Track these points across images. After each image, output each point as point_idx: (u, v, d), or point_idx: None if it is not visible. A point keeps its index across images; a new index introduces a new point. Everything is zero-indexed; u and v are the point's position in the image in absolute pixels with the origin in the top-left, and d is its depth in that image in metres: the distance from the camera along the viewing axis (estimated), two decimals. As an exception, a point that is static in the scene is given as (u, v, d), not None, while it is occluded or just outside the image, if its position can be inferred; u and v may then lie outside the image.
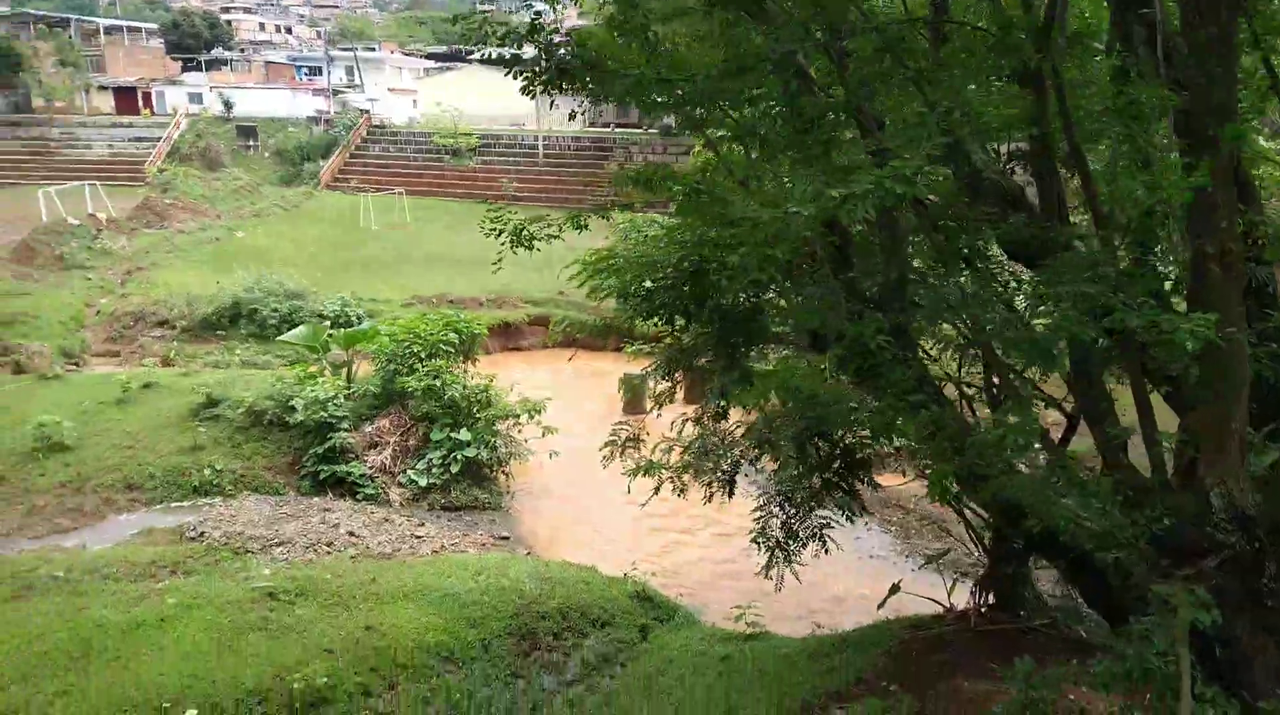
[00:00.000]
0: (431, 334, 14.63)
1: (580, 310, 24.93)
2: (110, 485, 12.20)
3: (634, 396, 18.87)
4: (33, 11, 75.64)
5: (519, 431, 14.61)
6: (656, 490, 8.06)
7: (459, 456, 13.59)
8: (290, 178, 50.51)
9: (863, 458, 7.35)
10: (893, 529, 12.85)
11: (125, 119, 58.90)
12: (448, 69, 72.37)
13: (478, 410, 14.18)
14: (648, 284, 7.50)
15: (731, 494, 8.22)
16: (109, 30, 73.66)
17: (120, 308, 22.93)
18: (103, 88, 64.14)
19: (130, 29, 77.49)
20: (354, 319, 21.45)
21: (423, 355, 14.52)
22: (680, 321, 7.52)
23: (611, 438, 9.58)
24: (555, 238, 8.06)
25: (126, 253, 30.64)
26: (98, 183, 38.67)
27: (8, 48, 58.12)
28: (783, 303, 7.49)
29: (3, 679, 7.57)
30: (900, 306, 5.95)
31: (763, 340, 7.69)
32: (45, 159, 53.49)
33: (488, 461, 13.98)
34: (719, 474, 7.78)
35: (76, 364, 19.39)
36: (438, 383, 14.00)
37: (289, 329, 21.31)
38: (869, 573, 11.52)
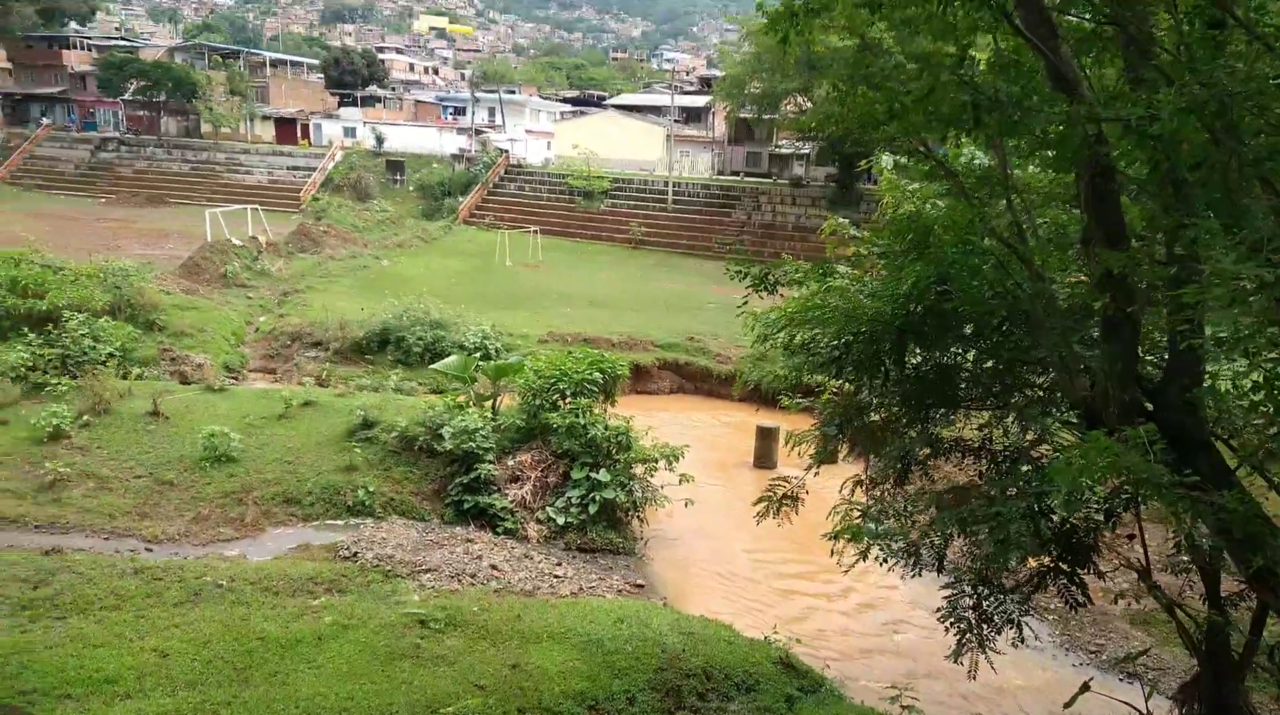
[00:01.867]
0: (577, 372, 14.77)
1: (708, 357, 24.87)
2: (270, 498, 12.73)
3: (764, 450, 18.58)
4: (207, 44, 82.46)
5: (654, 476, 14.54)
6: (863, 556, 7.59)
7: (597, 497, 13.58)
8: (431, 211, 52.75)
9: (1089, 541, 6.84)
10: (1049, 616, 12.02)
11: (285, 148, 63.01)
12: (583, 113, 74.50)
13: (617, 452, 14.18)
14: (831, 340, 7.33)
15: (928, 570, 7.77)
16: (275, 64, 79.36)
17: (278, 327, 24.23)
18: (266, 117, 68.99)
19: (294, 64, 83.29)
20: (493, 351, 21.97)
21: (567, 392, 14.68)
22: (868, 380, 7.28)
23: (767, 495, 9.32)
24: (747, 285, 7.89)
25: (283, 274, 32.50)
26: (259, 207, 41.33)
27: (185, 76, 63.17)
28: (984, 364, 7.13)
29: (174, 682, 7.86)
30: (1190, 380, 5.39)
31: (955, 404, 7.35)
32: (211, 181, 57.72)
33: (624, 505, 13.91)
34: (905, 546, 7.38)
35: (236, 378, 20.51)
36: (581, 421, 14.08)
37: (432, 357, 22.06)
38: (1025, 664, 10.77)
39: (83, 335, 17.09)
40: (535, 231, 42.98)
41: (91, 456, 13.22)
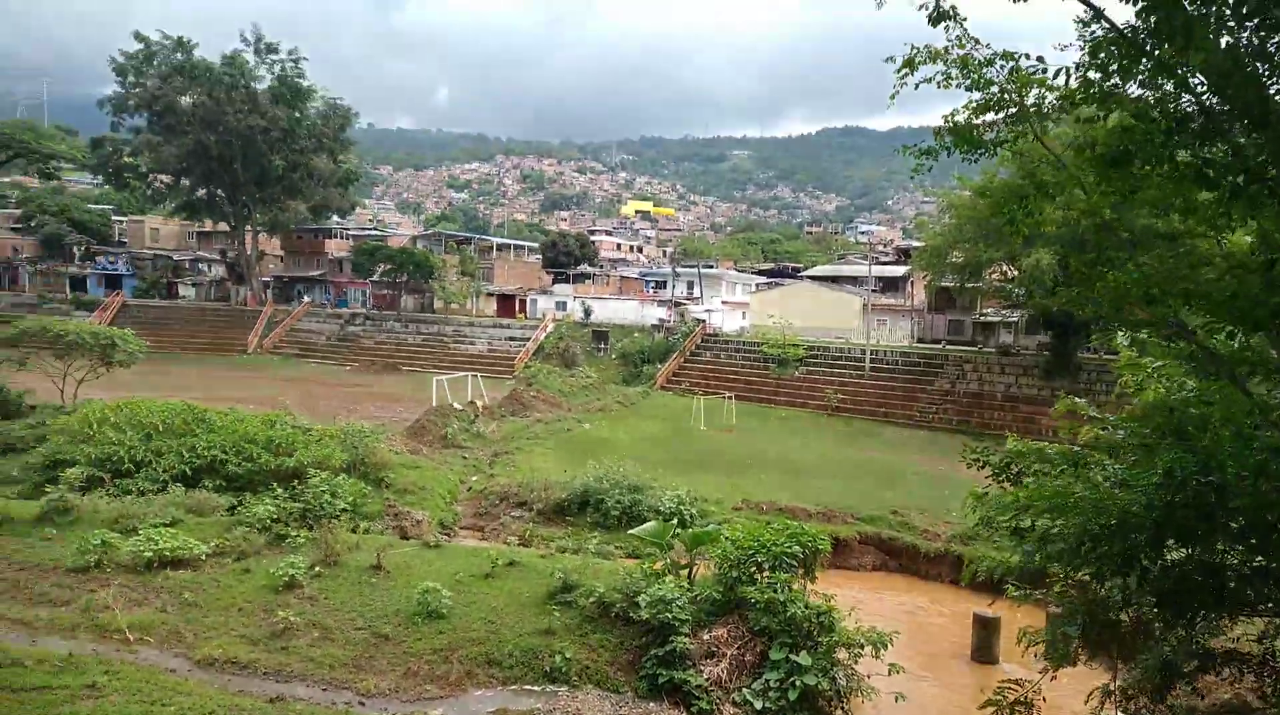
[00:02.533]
0: (775, 544, 14.34)
1: (914, 533, 23.47)
2: (474, 658, 12.98)
3: (983, 643, 16.93)
4: (444, 232, 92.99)
5: (858, 663, 13.54)
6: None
7: (797, 683, 12.77)
8: (631, 377, 54.86)
9: None
10: None
11: (504, 321, 68.61)
12: (778, 284, 76.28)
13: (818, 633, 13.40)
14: (1072, 530, 6.71)
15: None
16: (500, 247, 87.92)
17: (488, 487, 25.56)
18: (489, 294, 75.68)
19: (516, 247, 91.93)
20: (688, 517, 21.92)
21: (765, 565, 14.23)
22: (1116, 576, 6.55)
23: (995, 698, 8.40)
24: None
25: (495, 436, 34.55)
26: (478, 374, 44.73)
27: (424, 260, 71.08)
28: (1261, 564, 6.25)
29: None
30: None
31: (1224, 608, 6.42)
32: (439, 351, 63.40)
33: (827, 693, 12.97)
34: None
35: (449, 534, 21.61)
36: (779, 597, 13.52)
37: (629, 520, 22.32)
38: None
39: (323, 491, 18.76)
40: (730, 397, 43.44)
41: (319, 606, 14.15)
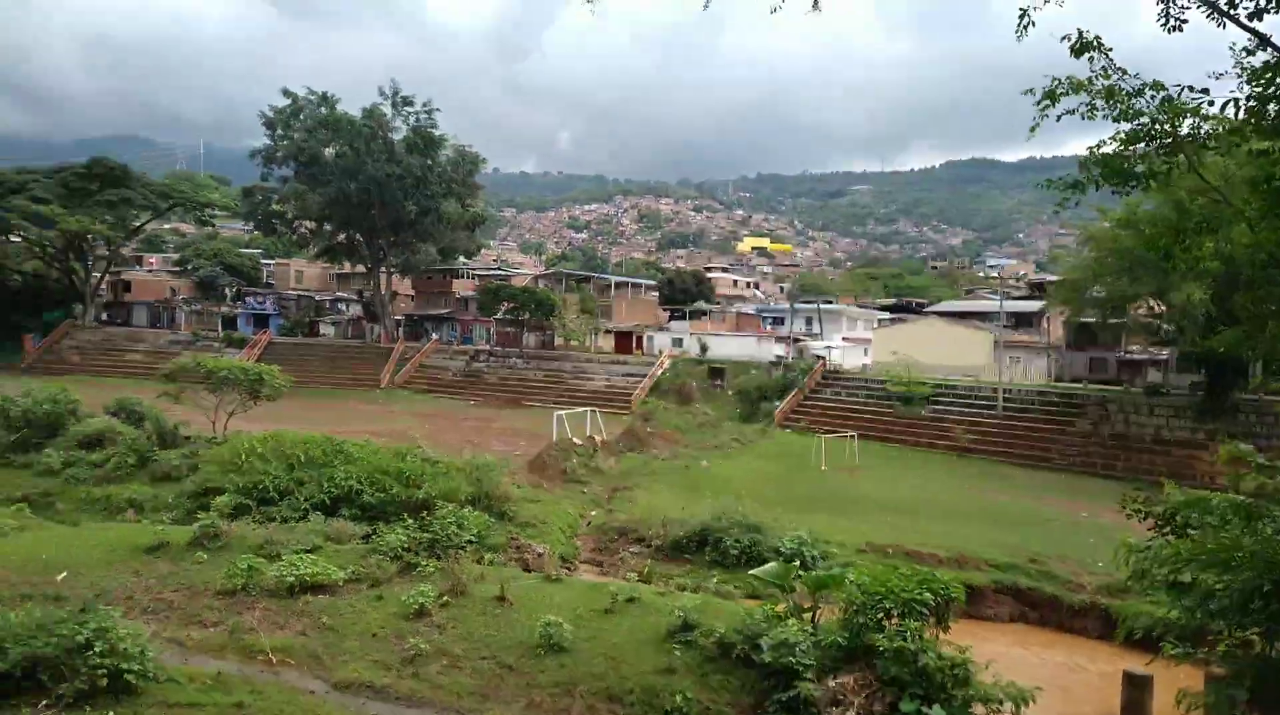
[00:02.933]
0: (904, 590, 13.75)
1: (1056, 583, 22.10)
2: (594, 693, 12.96)
3: (1135, 704, 15.66)
4: (565, 271, 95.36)
5: (997, 719, 12.75)
6: None
7: (930, 736, 12.13)
8: (749, 415, 54.37)
9: None
10: None
11: (621, 357, 69.46)
12: (901, 320, 74.31)
13: (952, 686, 12.71)
14: (1241, 586, 6.14)
15: None
16: (619, 286, 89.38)
17: (607, 522, 25.74)
18: (607, 331, 76.91)
19: (634, 284, 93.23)
20: (809, 559, 21.38)
21: (894, 612, 13.65)
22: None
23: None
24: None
25: (613, 472, 34.84)
26: (597, 409, 45.30)
27: (546, 298, 72.96)
28: None
29: None
30: None
31: None
32: (559, 386, 64.67)
33: (962, 749, 12.26)
34: None
35: (569, 568, 21.80)
36: (910, 646, 12.92)
37: (748, 560, 21.97)
38: None
39: (450, 522, 19.32)
40: (853, 436, 42.38)
41: (447, 635, 14.48)
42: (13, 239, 75.62)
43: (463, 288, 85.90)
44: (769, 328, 79.82)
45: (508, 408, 60.54)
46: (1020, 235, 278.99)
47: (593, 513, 27.95)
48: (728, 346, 67.19)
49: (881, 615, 13.76)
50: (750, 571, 17.58)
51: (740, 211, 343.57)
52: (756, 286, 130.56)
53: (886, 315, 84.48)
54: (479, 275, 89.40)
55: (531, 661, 13.70)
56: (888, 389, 51.50)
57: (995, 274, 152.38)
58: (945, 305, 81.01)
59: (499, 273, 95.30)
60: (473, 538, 20.09)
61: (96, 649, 10.95)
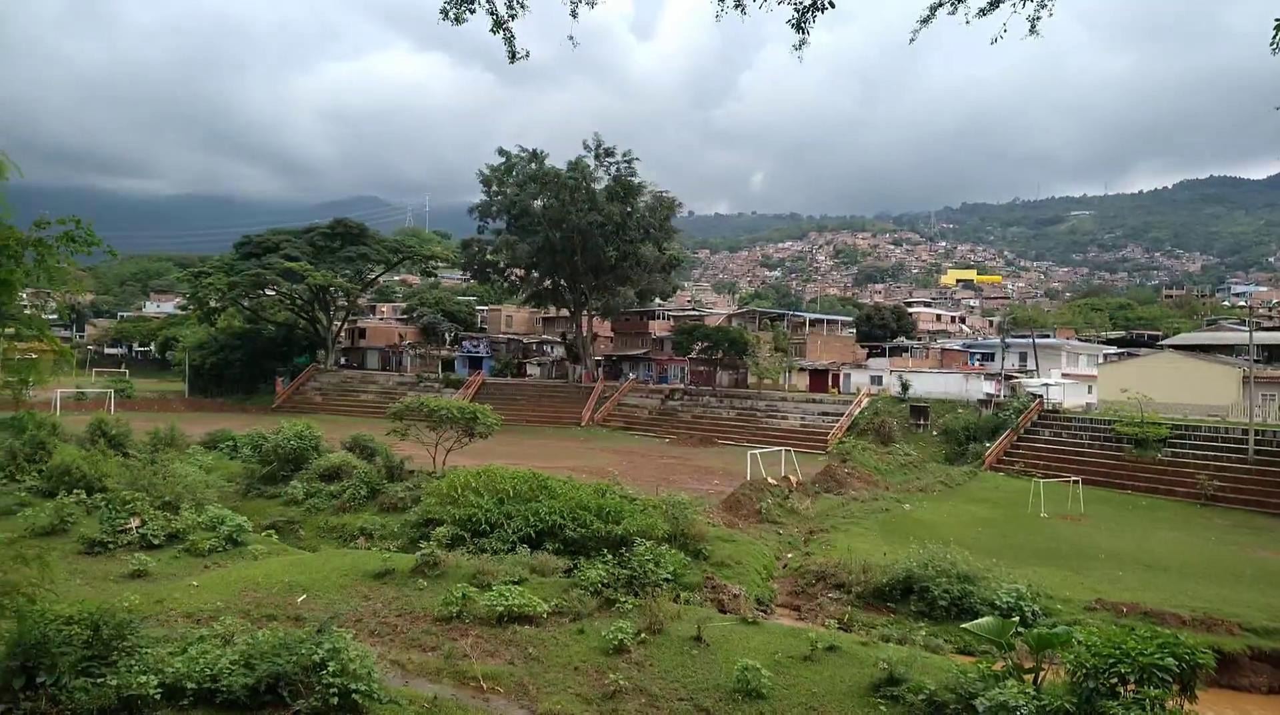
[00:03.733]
0: (1143, 654, 12.36)
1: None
2: (794, 744, 12.59)
3: None
4: (757, 308, 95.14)
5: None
6: None
7: (1179, 824, 10.76)
8: (954, 456, 51.47)
9: None
10: None
11: (816, 396, 68.02)
12: (1131, 355, 67.86)
13: (1205, 768, 11.24)
14: None
15: None
16: (813, 323, 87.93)
17: (804, 565, 25.07)
18: (801, 369, 75.66)
19: (829, 321, 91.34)
20: (1028, 614, 19.77)
21: (1129, 677, 12.29)
22: None
23: None
24: None
25: (809, 513, 33.99)
26: (791, 449, 44.52)
27: (739, 337, 73.05)
28: None
29: None
30: None
31: None
32: (751, 425, 64.24)
33: None
34: None
35: (765, 612, 21.40)
36: (1152, 718, 11.57)
37: (958, 612, 20.62)
38: None
39: (648, 559, 19.59)
40: (1076, 481, 38.95)
41: (645, 673, 14.61)
42: (267, 293, 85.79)
43: (659, 328, 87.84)
44: (977, 364, 75.45)
45: (701, 446, 60.80)
46: (1271, 258, 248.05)
47: (789, 555, 27.34)
48: (931, 384, 64.08)
49: (1115, 680, 12.46)
50: (963, 625, 16.48)
51: (943, 243, 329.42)
52: (962, 321, 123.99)
53: (1113, 349, 77.48)
54: (674, 316, 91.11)
55: (729, 706, 13.53)
56: (1116, 430, 46.99)
57: (1243, 303, 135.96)
58: (1184, 337, 73.16)
59: (693, 313, 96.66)
60: (669, 576, 20.24)
61: (330, 668, 11.89)
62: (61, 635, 11.73)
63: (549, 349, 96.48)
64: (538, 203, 74.49)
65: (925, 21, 7.77)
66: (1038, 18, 7.31)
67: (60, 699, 11.29)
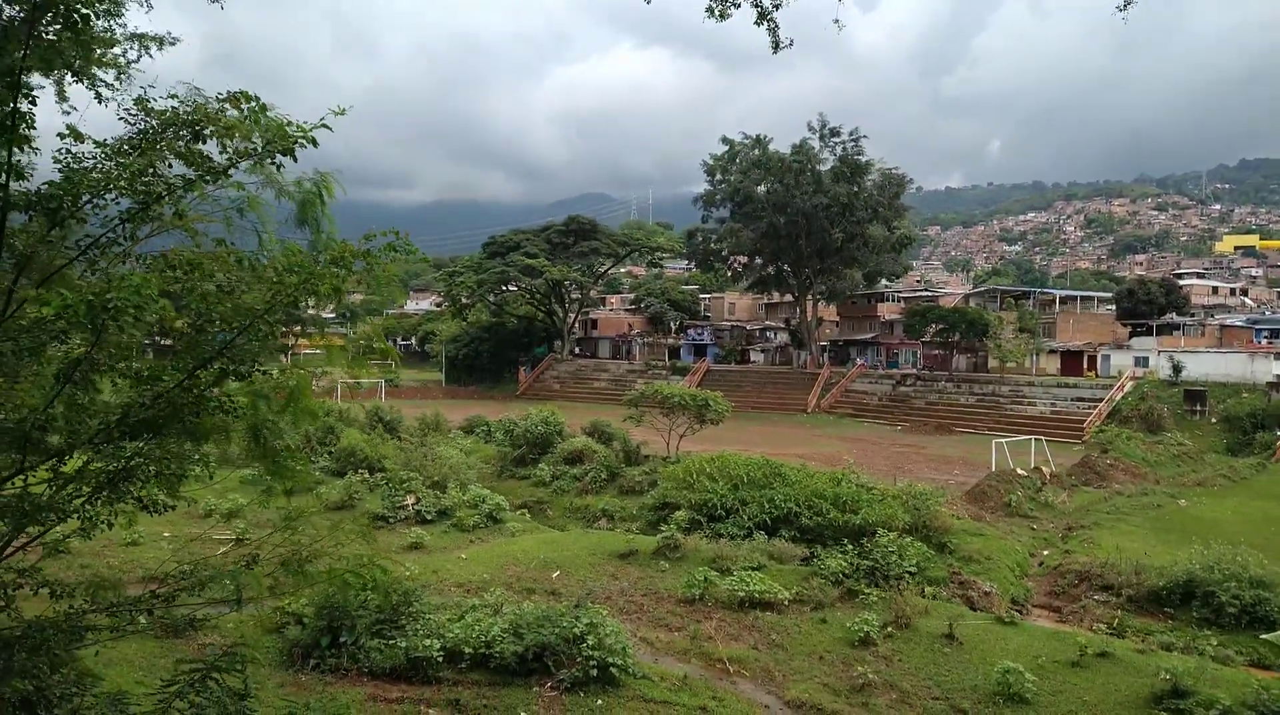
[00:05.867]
0: None
1: None
2: (1066, 754, 11.77)
3: None
4: (998, 287, 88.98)
5: None
6: None
7: None
8: (1238, 446, 45.68)
9: None
10: None
11: (1069, 380, 62.71)
12: None
13: None
14: None
15: None
16: (1064, 301, 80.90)
17: (1064, 563, 23.25)
18: (1051, 351, 70.03)
19: (1084, 298, 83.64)
20: (1343, 630, 17.13)
21: None
22: None
23: None
24: None
25: (1066, 508, 31.46)
26: (1041, 437, 41.37)
27: (978, 318, 68.70)
28: None
29: None
30: None
31: None
32: (994, 412, 60.35)
33: None
34: None
35: (1021, 612, 20.08)
36: None
37: (1250, 620, 18.33)
38: None
39: (891, 551, 19.03)
40: (1403, 479, 33.15)
41: (894, 667, 14.25)
42: (510, 288, 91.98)
43: (887, 311, 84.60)
44: (1264, 342, 66.08)
45: (937, 434, 58.00)
46: None
47: (1045, 552, 25.46)
48: (1208, 365, 56.94)
49: None
50: (1262, 636, 14.62)
51: (1217, 206, 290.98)
52: (1244, 292, 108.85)
53: None
54: (904, 298, 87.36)
55: (989, 709, 12.89)
56: None
57: None
58: None
59: (925, 293, 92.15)
60: (912, 569, 19.52)
61: (589, 642, 12.65)
62: (359, 600, 13.33)
63: (772, 335, 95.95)
64: (761, 188, 74.12)
65: None
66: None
67: (359, 657, 12.85)
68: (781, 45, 8.23)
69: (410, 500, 24.94)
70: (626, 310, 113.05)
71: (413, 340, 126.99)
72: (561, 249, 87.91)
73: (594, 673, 12.42)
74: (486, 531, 23.55)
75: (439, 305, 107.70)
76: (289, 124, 5.37)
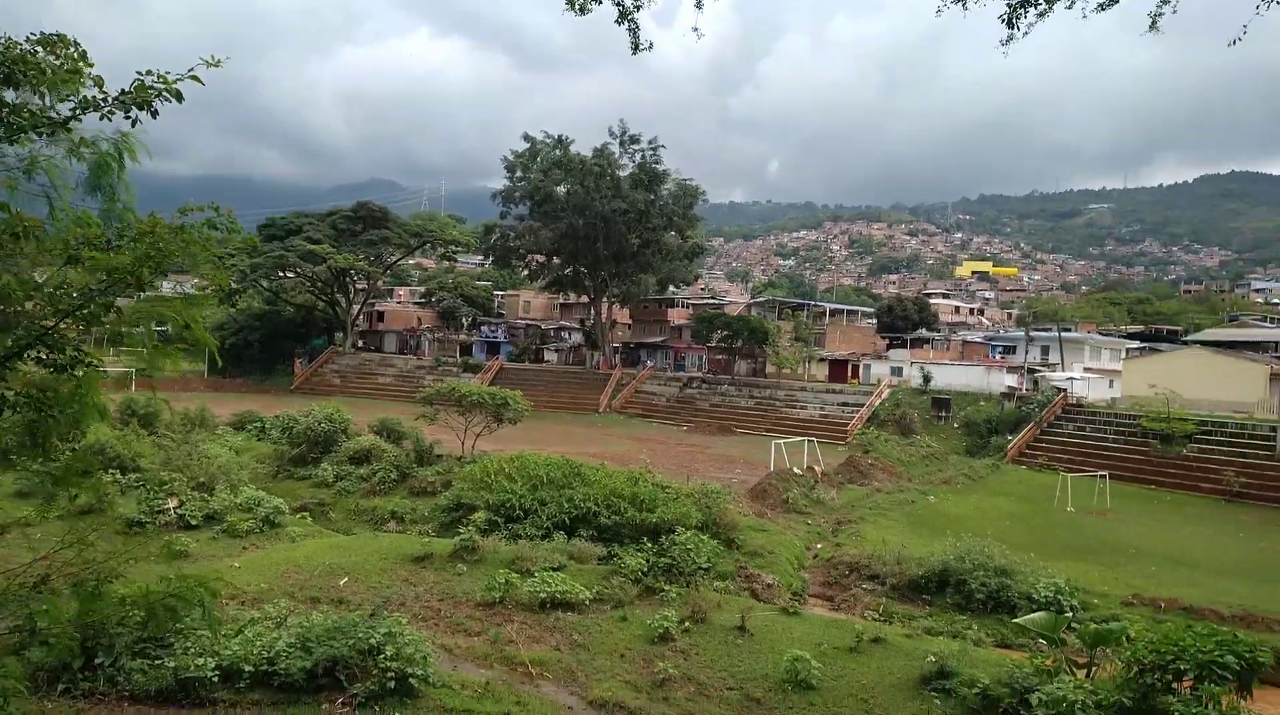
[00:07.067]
0: (1201, 651, 12.26)
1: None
2: (856, 736, 12.57)
3: None
4: (778, 298, 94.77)
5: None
6: None
7: (1242, 824, 10.70)
8: (976, 448, 51.26)
9: None
10: None
11: (836, 386, 67.79)
12: (1154, 350, 67.38)
13: (1267, 768, 11.16)
14: None
15: None
16: (833, 313, 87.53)
17: (836, 556, 25.05)
18: (821, 359, 75.36)
19: (850, 312, 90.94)
20: (1066, 609, 19.68)
21: (1188, 674, 12.21)
22: None
23: None
24: None
25: (835, 504, 33.94)
26: (814, 439, 44.41)
27: (760, 326, 72.72)
28: None
29: None
30: None
31: None
32: (770, 415, 64.04)
33: None
34: None
35: (799, 601, 21.35)
36: (1210, 713, 11.49)
37: (995, 605, 20.63)
38: None
39: (688, 548, 19.57)
40: (1103, 476, 38.72)
41: (691, 661, 14.63)
42: (288, 275, 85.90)
43: (677, 316, 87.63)
44: (999, 357, 75.00)
45: (719, 435, 60.69)
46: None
47: (819, 546, 27.32)
48: (953, 376, 63.77)
49: (1172, 677, 12.38)
50: (1015, 620, 16.42)
51: (959, 235, 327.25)
52: (981, 312, 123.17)
53: (1135, 344, 76.88)
54: (693, 304, 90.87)
55: (779, 697, 13.51)
56: (1142, 425, 46.66)
57: (1263, 299, 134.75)
58: (1210, 333, 72.60)
59: (712, 301, 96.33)
60: (706, 565, 20.22)
61: (387, 652, 11.92)
62: (118, 616, 11.79)
63: (567, 335, 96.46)
64: (562, 189, 74.22)
65: (1011, 23, 7.54)
66: (1159, 13, 7.12)
67: (118, 680, 11.36)
68: (641, 47, 8.15)
69: (172, 503, 22.58)
70: (416, 303, 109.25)
71: (168, 326, 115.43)
72: (348, 236, 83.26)
73: (391, 685, 11.71)
74: (263, 537, 21.77)
75: (203, 289, 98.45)
76: (148, 73, 4.56)
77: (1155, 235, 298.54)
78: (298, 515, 25.25)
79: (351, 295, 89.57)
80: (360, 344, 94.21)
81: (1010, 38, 7.54)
